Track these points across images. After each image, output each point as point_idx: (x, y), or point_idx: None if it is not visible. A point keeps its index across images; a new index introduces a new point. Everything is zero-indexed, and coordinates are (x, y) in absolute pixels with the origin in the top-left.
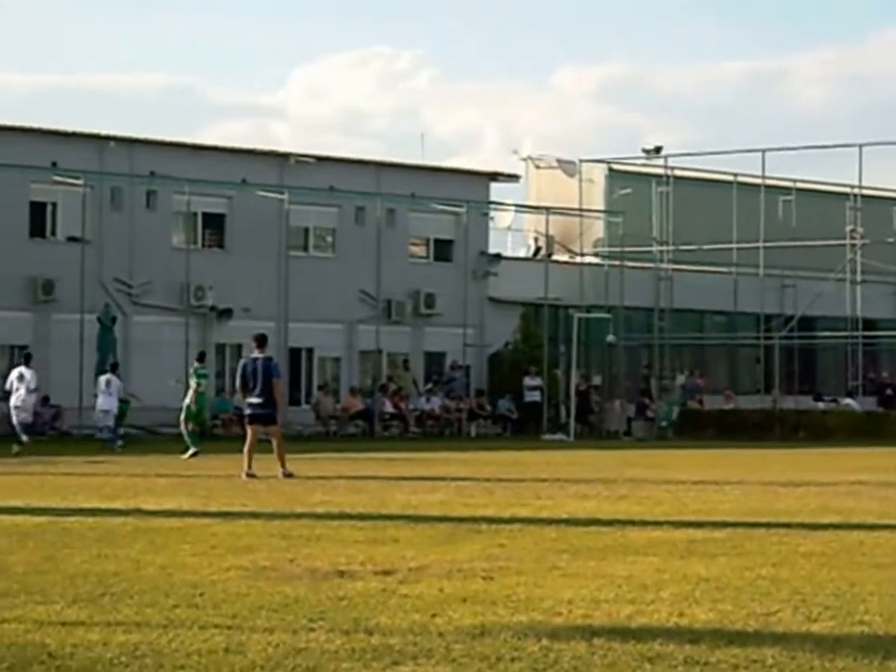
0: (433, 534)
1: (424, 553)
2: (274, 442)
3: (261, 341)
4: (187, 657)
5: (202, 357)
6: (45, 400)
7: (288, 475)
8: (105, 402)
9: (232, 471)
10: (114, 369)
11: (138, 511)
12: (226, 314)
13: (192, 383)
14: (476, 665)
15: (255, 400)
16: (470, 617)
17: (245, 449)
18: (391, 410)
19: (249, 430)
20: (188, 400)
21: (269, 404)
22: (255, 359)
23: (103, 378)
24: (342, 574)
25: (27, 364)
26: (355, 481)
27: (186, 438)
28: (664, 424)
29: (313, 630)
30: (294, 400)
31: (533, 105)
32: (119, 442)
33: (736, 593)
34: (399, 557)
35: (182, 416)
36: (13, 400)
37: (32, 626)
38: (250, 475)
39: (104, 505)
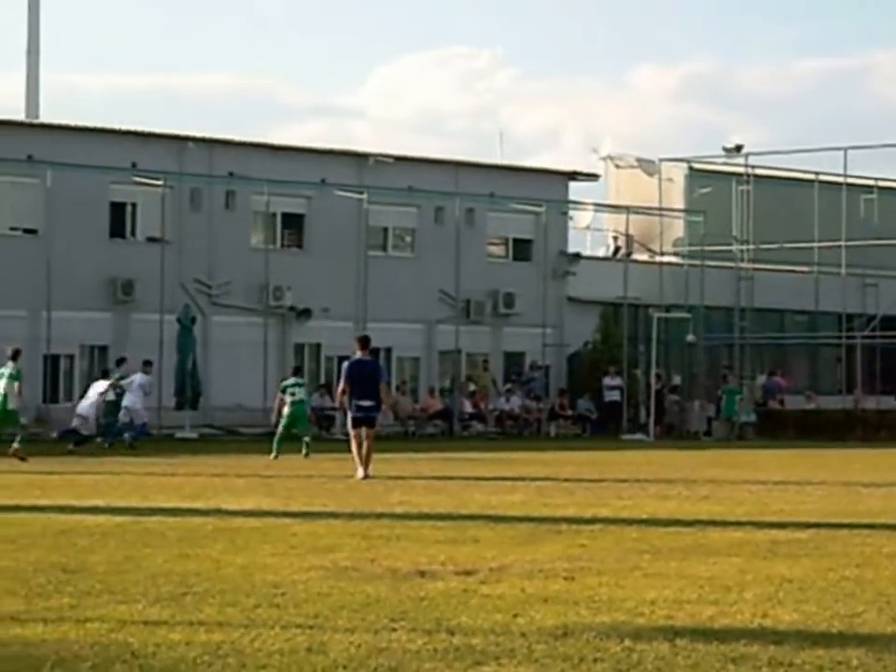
0: (513, 534)
1: (504, 553)
2: (366, 445)
3: (365, 342)
4: (269, 657)
5: (297, 372)
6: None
7: (366, 477)
8: (128, 399)
9: (312, 472)
10: (119, 363)
11: (218, 511)
12: (305, 314)
13: (287, 396)
14: (559, 666)
15: (364, 403)
16: (552, 617)
17: (354, 451)
18: (470, 410)
19: (354, 433)
20: (287, 410)
21: (377, 407)
22: (361, 361)
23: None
24: (422, 574)
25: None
26: (434, 481)
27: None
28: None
29: (394, 630)
30: None
31: (612, 103)
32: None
33: (820, 594)
34: (480, 557)
35: (284, 423)
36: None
37: (114, 625)
38: (367, 476)
39: (184, 505)
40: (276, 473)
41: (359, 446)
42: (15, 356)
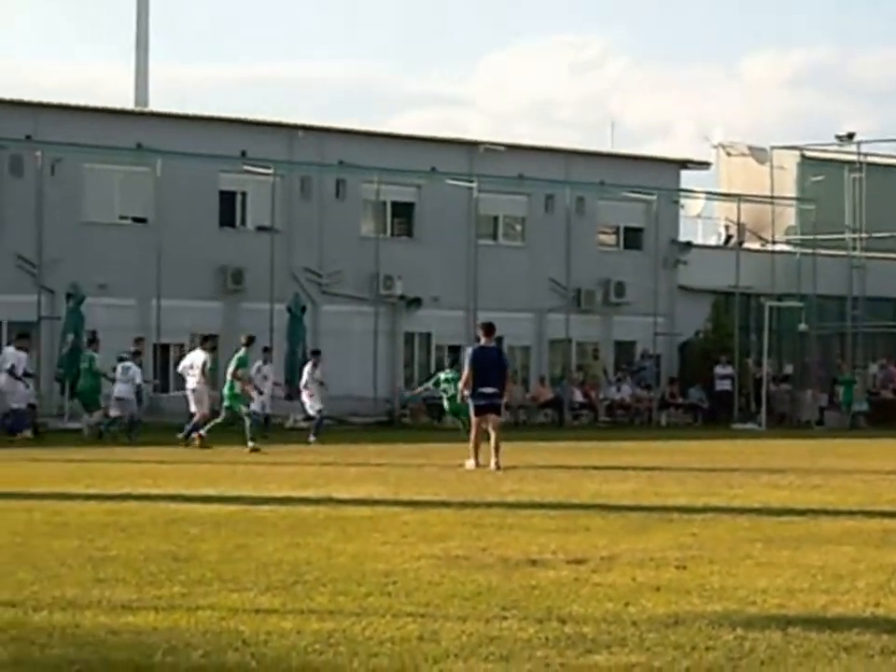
0: (624, 523)
1: (615, 541)
2: (494, 436)
3: (490, 329)
4: (380, 645)
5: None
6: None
7: (498, 468)
8: (122, 390)
9: (421, 460)
10: (135, 356)
11: (329, 500)
12: (415, 303)
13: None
14: (670, 654)
15: (488, 390)
16: (664, 606)
17: (473, 439)
18: (581, 399)
19: (476, 420)
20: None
21: (501, 395)
22: (486, 348)
23: (120, 365)
24: (534, 563)
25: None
26: (545, 470)
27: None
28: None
29: (505, 619)
30: None
31: (724, 91)
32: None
33: None
34: (591, 546)
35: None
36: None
37: (226, 614)
38: (480, 465)
39: (295, 494)
40: (387, 462)
41: (479, 435)
42: (249, 342)
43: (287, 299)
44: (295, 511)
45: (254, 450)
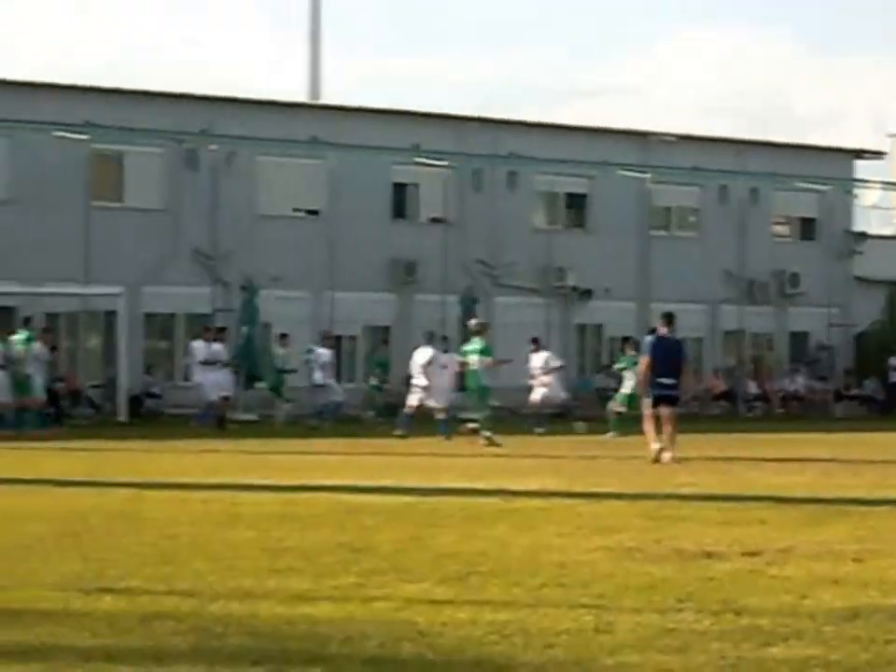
0: (799, 515)
1: (791, 534)
2: (669, 427)
3: (670, 319)
4: (555, 636)
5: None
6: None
7: (676, 460)
8: (318, 378)
9: (595, 451)
10: (219, 332)
11: (503, 492)
12: (586, 294)
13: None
14: (848, 648)
15: (666, 381)
16: (841, 599)
17: (649, 430)
18: (755, 391)
19: (650, 412)
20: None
21: (677, 386)
22: (665, 338)
23: (312, 354)
24: (709, 555)
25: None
26: (719, 462)
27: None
28: None
29: (680, 611)
30: None
31: None
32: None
33: None
34: (766, 538)
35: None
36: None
37: (401, 604)
38: (659, 455)
39: (469, 485)
40: (561, 454)
41: (654, 425)
42: (480, 329)
43: (460, 290)
44: (469, 503)
45: (490, 443)
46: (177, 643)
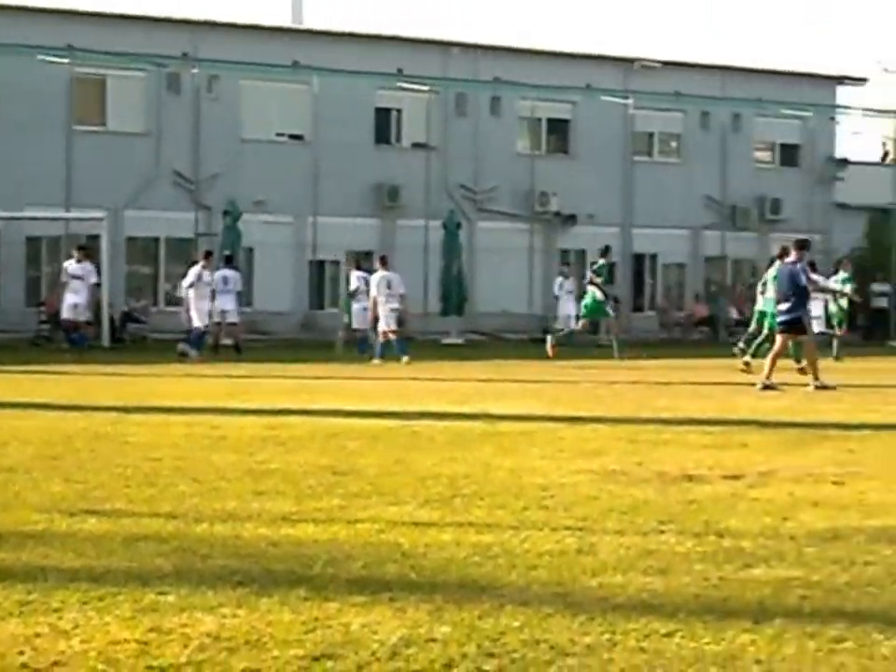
0: (780, 439)
1: (772, 457)
2: (805, 352)
3: (802, 245)
4: (539, 557)
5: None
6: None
7: (822, 387)
8: (224, 301)
9: (577, 377)
10: (228, 261)
11: (486, 416)
12: (570, 220)
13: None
14: (829, 569)
15: (782, 307)
16: (822, 521)
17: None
18: (736, 316)
19: (779, 339)
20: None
21: (794, 310)
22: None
23: (218, 274)
24: (690, 478)
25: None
26: (700, 386)
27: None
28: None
29: (662, 532)
30: (637, 307)
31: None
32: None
33: None
34: (748, 462)
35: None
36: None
37: (385, 526)
38: (768, 386)
39: (452, 409)
40: (542, 379)
41: (778, 354)
42: (605, 253)
43: (443, 216)
44: (452, 426)
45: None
46: (161, 564)
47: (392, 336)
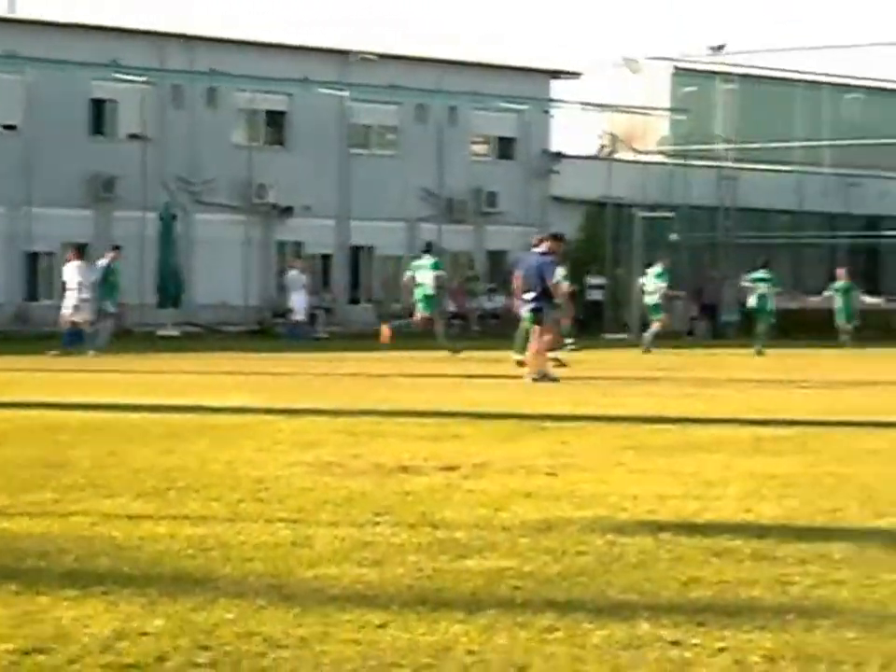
0: (496, 431)
1: (487, 449)
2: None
3: (558, 238)
4: (254, 549)
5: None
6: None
7: (544, 377)
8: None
9: (294, 369)
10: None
11: (203, 408)
12: (287, 211)
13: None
14: (541, 559)
15: (527, 296)
16: (535, 512)
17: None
18: (452, 309)
19: (537, 330)
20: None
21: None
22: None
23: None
24: (406, 469)
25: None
26: (418, 378)
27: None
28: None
29: (378, 524)
30: (354, 299)
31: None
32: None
33: (803, 489)
34: (463, 453)
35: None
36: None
37: (98, 519)
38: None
39: (168, 402)
40: (260, 371)
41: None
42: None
43: (159, 207)
44: (168, 419)
45: None
46: None
47: (85, 327)
